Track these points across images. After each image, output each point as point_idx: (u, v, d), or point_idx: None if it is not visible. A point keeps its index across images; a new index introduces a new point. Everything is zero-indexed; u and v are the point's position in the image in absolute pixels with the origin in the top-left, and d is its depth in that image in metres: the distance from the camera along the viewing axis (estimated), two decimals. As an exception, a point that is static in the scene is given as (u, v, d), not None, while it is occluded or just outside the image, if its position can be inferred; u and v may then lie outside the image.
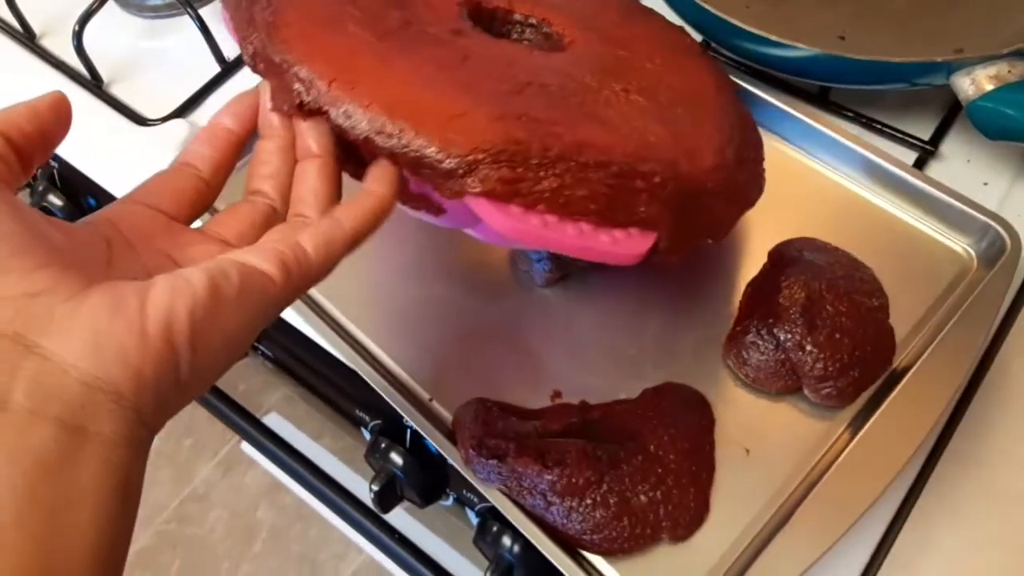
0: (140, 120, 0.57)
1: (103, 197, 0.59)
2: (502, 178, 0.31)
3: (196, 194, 0.30)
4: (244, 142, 0.32)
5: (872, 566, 0.40)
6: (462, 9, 0.40)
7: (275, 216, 0.30)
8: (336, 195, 0.31)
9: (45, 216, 0.23)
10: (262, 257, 0.26)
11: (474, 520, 0.53)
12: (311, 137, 0.31)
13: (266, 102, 0.32)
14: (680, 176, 0.34)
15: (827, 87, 0.53)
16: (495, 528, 0.47)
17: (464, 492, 0.51)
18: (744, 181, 0.39)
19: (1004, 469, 0.42)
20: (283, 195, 0.31)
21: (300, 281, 0.27)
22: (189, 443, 1.29)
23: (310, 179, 0.31)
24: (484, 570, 0.47)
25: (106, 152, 0.56)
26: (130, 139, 0.56)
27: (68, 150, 0.55)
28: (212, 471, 1.27)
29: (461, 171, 0.31)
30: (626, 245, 0.33)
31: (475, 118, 0.31)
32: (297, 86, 0.32)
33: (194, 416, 1.30)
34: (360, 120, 0.31)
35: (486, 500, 0.48)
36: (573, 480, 0.37)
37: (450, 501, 0.56)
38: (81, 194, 0.62)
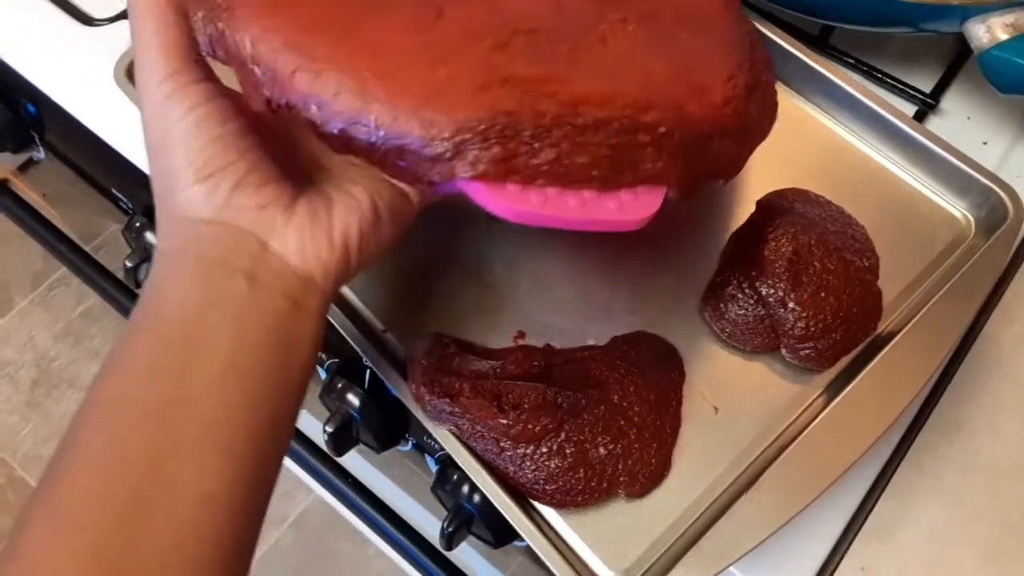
0: (85, 19, 0.53)
1: (43, 103, 0.56)
2: (494, 157, 0.29)
3: None
4: None
5: (848, 534, 0.40)
6: None
7: None
8: None
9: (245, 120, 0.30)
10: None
11: (433, 467, 0.51)
12: None
13: None
14: (687, 120, 0.32)
15: (829, 28, 0.51)
16: (455, 476, 0.46)
17: (424, 438, 0.50)
18: (756, 112, 0.36)
19: (988, 440, 0.42)
20: None
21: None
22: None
23: None
24: (443, 520, 0.46)
25: (46, 53, 0.52)
26: (73, 39, 0.52)
27: (3, 48, 0.52)
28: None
29: (448, 155, 0.29)
30: (634, 208, 0.31)
31: (456, 91, 0.29)
32: (259, 78, 0.30)
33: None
34: (330, 112, 0.29)
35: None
36: (529, 426, 0.36)
37: (408, 446, 0.55)
38: (20, 98, 0.59)
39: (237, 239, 0.29)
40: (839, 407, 0.38)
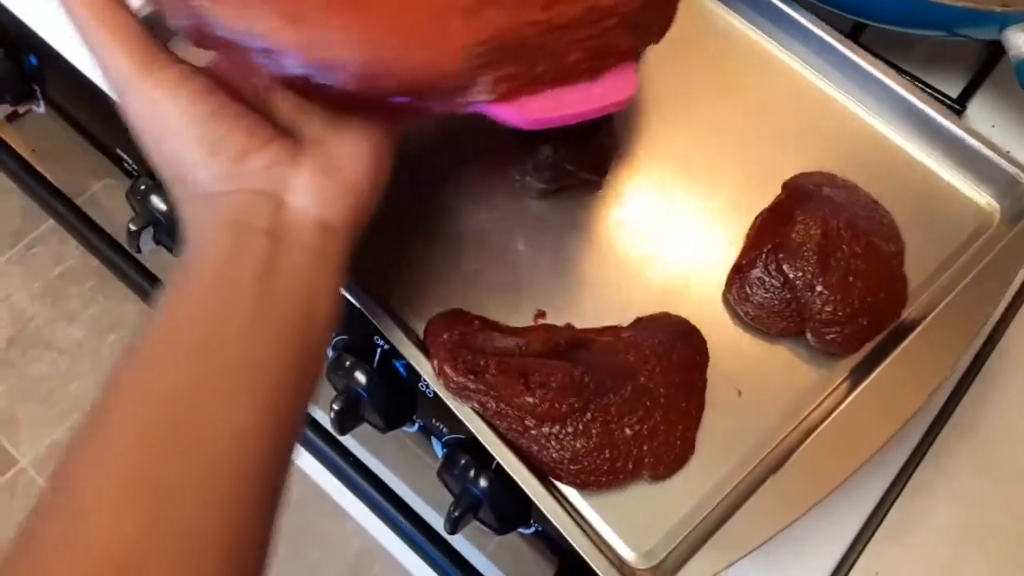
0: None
1: (46, 55, 0.54)
2: (505, 76, 0.30)
3: None
4: None
5: (862, 536, 0.40)
6: None
7: None
8: None
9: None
10: None
11: (439, 451, 0.51)
12: None
13: None
14: None
15: (862, 25, 0.50)
16: (463, 461, 0.45)
17: (432, 420, 0.49)
18: None
19: (1008, 446, 0.42)
20: None
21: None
22: (113, 338, 1.25)
23: None
24: (449, 506, 0.45)
25: (53, 2, 0.50)
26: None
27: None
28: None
29: (462, 86, 0.29)
30: (619, 88, 0.33)
31: (450, 25, 0.29)
32: (259, 58, 0.28)
33: (120, 310, 1.26)
34: (341, 73, 0.28)
35: (456, 430, 0.46)
36: (556, 405, 0.35)
37: (415, 428, 0.54)
38: (23, 48, 0.57)
39: (254, 202, 0.30)
40: (864, 394, 0.38)
